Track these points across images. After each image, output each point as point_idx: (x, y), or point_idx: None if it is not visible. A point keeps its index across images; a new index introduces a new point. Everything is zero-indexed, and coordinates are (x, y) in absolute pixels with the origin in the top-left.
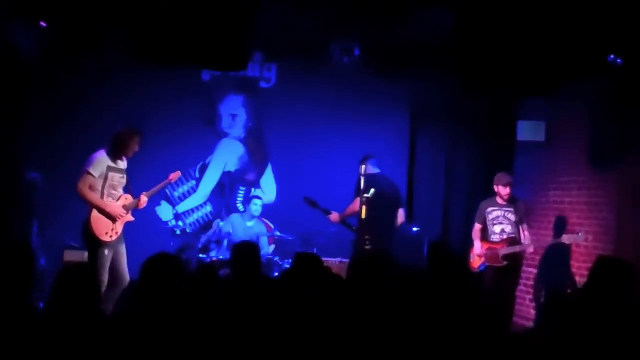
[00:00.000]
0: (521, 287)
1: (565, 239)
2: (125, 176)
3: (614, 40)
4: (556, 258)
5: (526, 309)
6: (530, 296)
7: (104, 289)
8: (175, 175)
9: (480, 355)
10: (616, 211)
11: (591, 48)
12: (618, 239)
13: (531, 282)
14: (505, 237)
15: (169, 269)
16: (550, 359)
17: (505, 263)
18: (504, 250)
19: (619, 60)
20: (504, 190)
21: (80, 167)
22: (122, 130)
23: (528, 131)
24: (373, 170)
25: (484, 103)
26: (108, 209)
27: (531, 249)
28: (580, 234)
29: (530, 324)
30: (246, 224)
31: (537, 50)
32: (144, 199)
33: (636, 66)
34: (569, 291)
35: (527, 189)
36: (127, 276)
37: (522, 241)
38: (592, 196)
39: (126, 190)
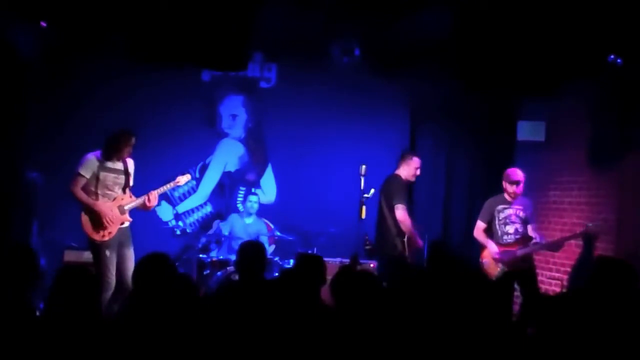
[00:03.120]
0: None
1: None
2: (120, 176)
3: (614, 40)
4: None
5: None
6: None
7: (111, 290)
8: (184, 178)
9: (481, 355)
10: (616, 211)
11: (591, 48)
12: (618, 239)
13: None
14: (519, 236)
15: (159, 269)
16: (550, 359)
17: (525, 265)
18: (522, 251)
19: (619, 60)
20: (510, 188)
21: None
22: (116, 132)
23: (528, 131)
24: None
25: (484, 103)
26: (97, 208)
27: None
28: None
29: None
30: (245, 222)
31: (537, 50)
32: (154, 195)
33: (636, 66)
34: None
35: (527, 189)
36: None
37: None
38: (592, 196)
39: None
